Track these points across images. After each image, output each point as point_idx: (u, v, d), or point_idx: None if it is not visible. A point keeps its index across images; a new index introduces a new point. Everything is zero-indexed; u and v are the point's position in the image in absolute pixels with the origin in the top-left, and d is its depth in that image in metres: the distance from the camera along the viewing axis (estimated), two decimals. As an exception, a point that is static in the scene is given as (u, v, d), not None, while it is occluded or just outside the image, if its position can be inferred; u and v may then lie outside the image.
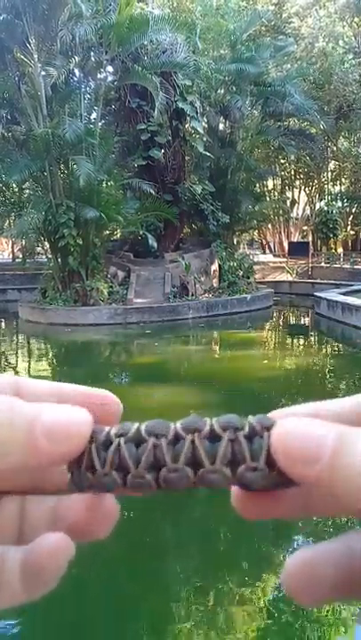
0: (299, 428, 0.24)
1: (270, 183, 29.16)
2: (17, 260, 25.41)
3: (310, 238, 29.15)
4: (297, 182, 30.84)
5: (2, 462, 0.25)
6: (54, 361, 13.31)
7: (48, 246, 18.04)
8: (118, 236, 20.68)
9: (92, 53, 17.30)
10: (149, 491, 0.25)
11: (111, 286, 17.43)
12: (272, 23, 25.77)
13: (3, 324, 19.22)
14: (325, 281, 22.73)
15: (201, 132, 18.52)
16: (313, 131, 24.75)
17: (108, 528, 0.30)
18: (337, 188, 29.79)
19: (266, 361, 12.08)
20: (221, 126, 21.84)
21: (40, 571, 0.27)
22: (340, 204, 28.76)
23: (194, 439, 0.25)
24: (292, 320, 20.57)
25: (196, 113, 18.16)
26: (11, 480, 0.28)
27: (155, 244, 17.86)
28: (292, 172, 30.19)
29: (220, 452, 0.25)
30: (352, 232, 30.41)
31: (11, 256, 29.99)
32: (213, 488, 0.25)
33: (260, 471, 0.25)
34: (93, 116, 18.38)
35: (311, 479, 0.23)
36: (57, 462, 0.26)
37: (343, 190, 29.50)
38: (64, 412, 0.26)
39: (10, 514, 0.31)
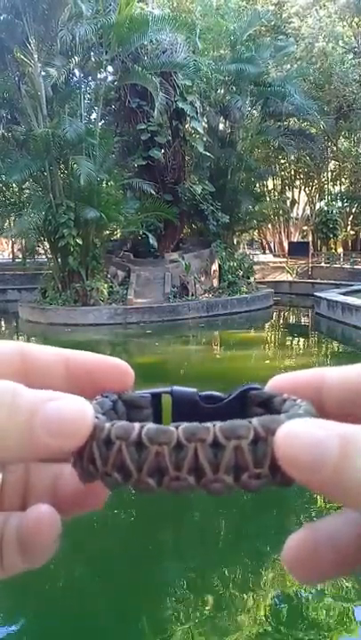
0: (300, 432, 0.23)
1: (270, 183, 29.12)
2: (17, 260, 25.42)
3: (310, 238, 29.10)
4: (297, 182, 30.80)
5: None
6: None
7: (48, 246, 18.02)
8: (118, 235, 20.67)
9: (92, 53, 17.28)
10: (150, 492, 0.26)
11: (111, 286, 17.42)
12: (272, 23, 25.76)
13: (3, 323, 19.21)
14: (325, 281, 22.69)
15: (201, 132, 18.49)
16: (313, 131, 24.76)
17: (103, 500, 0.30)
18: (337, 188, 29.76)
19: (267, 361, 12.07)
20: (221, 126, 21.82)
21: (28, 539, 0.28)
22: (340, 203, 28.73)
23: (197, 448, 0.25)
24: (292, 320, 20.55)
25: (196, 113, 18.14)
26: (8, 461, 0.29)
27: (155, 244, 17.85)
28: (292, 172, 30.16)
29: (224, 461, 0.24)
30: (352, 232, 30.39)
31: (11, 256, 29.98)
32: (216, 495, 0.25)
33: (265, 477, 0.25)
34: (93, 116, 18.38)
35: (317, 484, 0.23)
36: (56, 455, 0.26)
37: (343, 190, 29.48)
38: (67, 405, 0.25)
39: (15, 480, 0.32)
